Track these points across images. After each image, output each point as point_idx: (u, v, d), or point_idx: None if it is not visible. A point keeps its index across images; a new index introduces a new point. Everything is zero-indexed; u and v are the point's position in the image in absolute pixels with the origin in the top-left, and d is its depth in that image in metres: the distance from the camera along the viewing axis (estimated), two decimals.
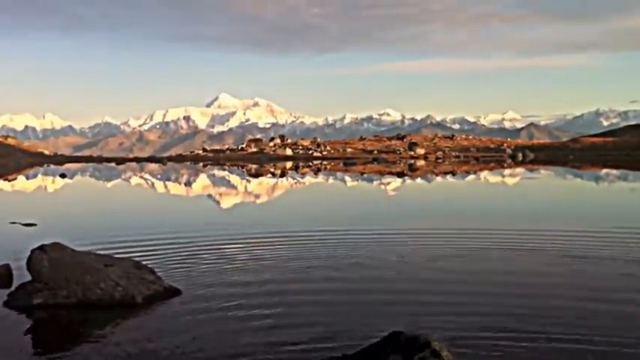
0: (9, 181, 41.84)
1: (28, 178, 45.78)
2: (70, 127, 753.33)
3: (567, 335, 6.85)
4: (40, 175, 49.68)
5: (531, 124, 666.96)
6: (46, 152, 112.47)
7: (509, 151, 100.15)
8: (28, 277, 8.64)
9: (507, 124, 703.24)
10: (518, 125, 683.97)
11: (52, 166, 67.86)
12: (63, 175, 45.35)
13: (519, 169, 54.54)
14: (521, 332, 6.95)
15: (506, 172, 51.03)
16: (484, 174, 47.61)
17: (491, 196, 29.11)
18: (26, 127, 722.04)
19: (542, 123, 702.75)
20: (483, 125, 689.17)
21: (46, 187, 36.62)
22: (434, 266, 10.65)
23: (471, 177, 44.56)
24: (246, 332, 7.04)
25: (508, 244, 12.73)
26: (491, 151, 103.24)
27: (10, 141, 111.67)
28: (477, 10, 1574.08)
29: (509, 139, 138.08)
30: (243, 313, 7.80)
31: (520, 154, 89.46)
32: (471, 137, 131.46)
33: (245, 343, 6.67)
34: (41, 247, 8.64)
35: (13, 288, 8.85)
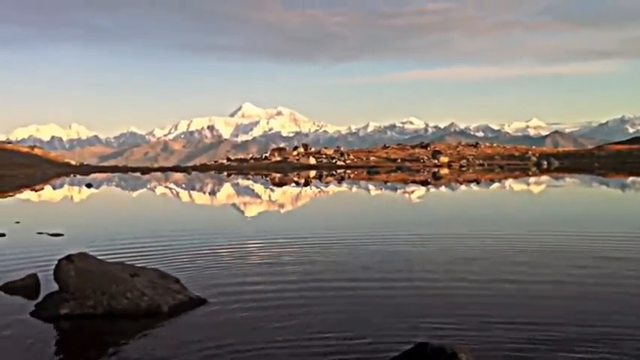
0: (36, 191, 42.34)
1: (54, 189, 46.28)
2: (96, 137, 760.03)
3: (596, 344, 6.74)
4: (66, 186, 50.22)
5: (556, 131, 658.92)
6: (73, 162, 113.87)
7: (534, 158, 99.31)
8: (56, 287, 8.70)
9: (532, 132, 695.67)
10: (543, 133, 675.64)
11: (78, 176, 68.55)
12: (89, 185, 45.81)
13: (545, 177, 54.02)
14: (549, 341, 6.83)
15: (532, 179, 50.56)
16: (509, 182, 47.19)
17: (518, 202, 28.81)
18: (52, 137, 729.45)
19: (567, 130, 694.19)
20: (507, 133, 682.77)
21: (72, 197, 37.03)
22: (462, 272, 10.49)
23: (497, 185, 44.20)
24: (273, 341, 7.00)
25: (538, 249, 12.56)
26: (515, 158, 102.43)
27: (36, 151, 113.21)
28: (498, 18, 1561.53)
29: (533, 147, 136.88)
30: (269, 323, 7.76)
31: (545, 162, 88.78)
32: (495, 145, 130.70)
33: (271, 353, 6.64)
34: (68, 257, 8.69)
35: (40, 298, 8.94)
